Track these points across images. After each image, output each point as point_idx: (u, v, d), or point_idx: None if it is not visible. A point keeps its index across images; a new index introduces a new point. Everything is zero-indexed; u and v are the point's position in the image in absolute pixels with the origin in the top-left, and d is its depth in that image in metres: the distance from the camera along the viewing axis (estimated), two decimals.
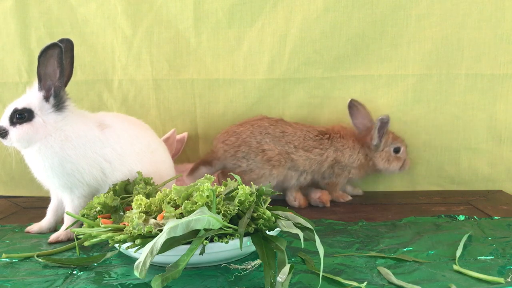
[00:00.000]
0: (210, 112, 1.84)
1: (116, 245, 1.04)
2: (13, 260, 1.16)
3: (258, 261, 1.05)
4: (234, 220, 1.03)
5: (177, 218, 0.98)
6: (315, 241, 0.96)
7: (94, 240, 1.06)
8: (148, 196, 1.21)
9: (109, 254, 1.13)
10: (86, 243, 1.07)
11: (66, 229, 1.29)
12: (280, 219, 1.06)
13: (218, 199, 1.04)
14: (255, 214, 1.04)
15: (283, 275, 0.90)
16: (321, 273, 0.92)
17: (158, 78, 1.82)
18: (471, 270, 1.01)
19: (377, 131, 1.66)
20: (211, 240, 0.99)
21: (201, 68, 1.81)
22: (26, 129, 1.26)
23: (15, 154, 1.33)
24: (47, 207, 1.42)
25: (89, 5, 1.78)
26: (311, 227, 1.02)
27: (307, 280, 0.98)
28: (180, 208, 1.03)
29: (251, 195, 1.05)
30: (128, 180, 1.32)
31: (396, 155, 1.71)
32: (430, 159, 1.82)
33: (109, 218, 1.17)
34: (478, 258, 1.10)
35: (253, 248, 1.04)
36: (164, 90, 1.83)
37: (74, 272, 1.07)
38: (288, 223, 1.04)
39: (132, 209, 1.09)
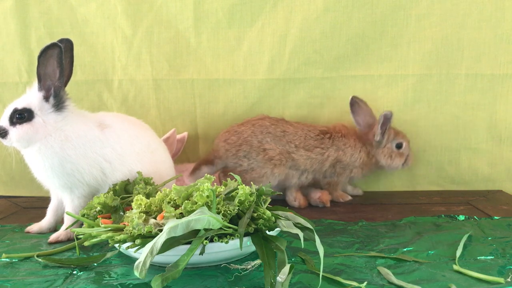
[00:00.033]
0: (210, 112, 1.84)
1: (116, 245, 1.04)
2: (13, 260, 1.16)
3: (258, 261, 1.05)
4: (234, 220, 1.03)
5: (177, 218, 0.98)
6: (315, 241, 0.96)
7: (94, 240, 1.06)
8: (148, 196, 1.21)
9: (109, 254, 1.13)
10: (86, 243, 1.07)
11: (66, 229, 1.29)
12: (280, 219, 1.06)
13: (218, 199, 1.04)
14: (255, 214, 1.04)
15: (283, 275, 0.90)
16: (321, 273, 0.92)
17: (158, 78, 1.82)
18: (471, 270, 1.01)
19: (380, 127, 1.65)
20: (211, 240, 0.99)
21: (201, 68, 1.81)
22: (26, 129, 1.26)
23: (15, 154, 1.33)
24: (47, 207, 1.42)
25: (89, 5, 1.78)
26: (311, 227, 1.02)
27: (307, 280, 0.98)
28: (180, 208, 1.03)
29: (251, 195, 1.05)
30: (128, 180, 1.32)
31: (398, 151, 1.71)
32: (430, 159, 1.82)
33: (109, 218, 1.17)
34: (478, 258, 1.10)
35: (253, 248, 1.04)
36: (164, 90, 1.83)
37: (74, 272, 1.07)
38: (288, 223, 1.04)
39: (132, 209, 1.09)
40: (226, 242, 0.99)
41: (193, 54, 1.80)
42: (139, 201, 1.08)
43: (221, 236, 1.00)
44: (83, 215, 1.18)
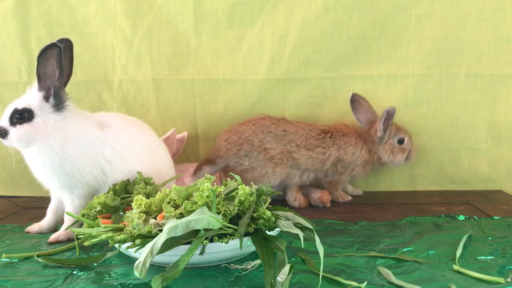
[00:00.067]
0: (210, 112, 1.84)
1: (116, 245, 1.04)
2: (13, 260, 1.16)
3: (258, 261, 1.05)
4: (234, 220, 1.03)
5: (177, 218, 0.98)
6: (315, 241, 0.96)
7: (94, 240, 1.06)
8: (148, 196, 1.21)
9: (109, 254, 1.13)
10: (86, 243, 1.07)
11: (66, 229, 1.29)
12: (280, 219, 1.06)
13: (218, 199, 1.04)
14: (255, 214, 1.04)
15: (283, 275, 0.90)
16: (321, 273, 0.92)
17: (158, 78, 1.82)
18: (471, 270, 1.01)
19: (383, 123, 1.65)
20: (211, 240, 0.99)
21: (201, 68, 1.81)
22: (26, 129, 1.26)
23: (15, 154, 1.33)
24: (47, 207, 1.42)
25: (89, 5, 1.78)
26: (311, 227, 1.02)
27: (307, 280, 0.98)
28: (180, 208, 1.03)
29: (251, 195, 1.05)
30: (128, 180, 1.32)
31: (400, 146, 1.70)
32: (430, 159, 1.82)
33: (109, 218, 1.17)
34: (478, 258, 1.10)
35: (253, 248, 1.04)
36: (164, 90, 1.83)
37: (74, 272, 1.07)
38: (288, 223, 1.04)
39: (132, 209, 1.09)
40: (226, 242, 0.99)
41: (193, 54, 1.80)
42: (139, 201, 1.08)
43: (221, 236, 1.00)
44: (83, 215, 1.18)
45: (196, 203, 1.00)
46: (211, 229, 0.98)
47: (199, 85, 1.82)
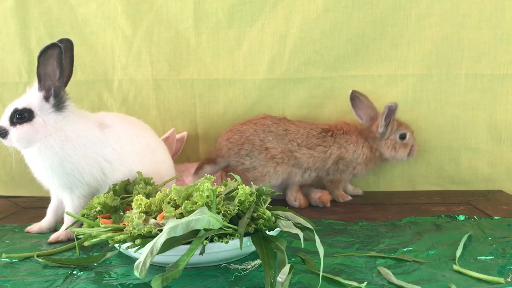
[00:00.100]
0: (210, 112, 1.84)
1: (116, 245, 1.04)
2: (13, 260, 1.16)
3: (258, 261, 1.05)
4: (234, 220, 1.03)
5: (177, 218, 0.98)
6: (315, 241, 0.96)
7: (94, 240, 1.06)
8: (148, 196, 1.21)
9: (109, 254, 1.13)
10: (86, 243, 1.07)
11: (66, 229, 1.29)
12: (280, 219, 1.06)
13: (218, 199, 1.04)
14: (255, 214, 1.04)
15: (283, 275, 0.90)
16: (321, 273, 0.92)
17: (158, 78, 1.82)
18: (471, 270, 1.01)
19: (384, 118, 1.65)
20: (211, 240, 0.99)
21: (201, 68, 1.81)
22: (26, 129, 1.26)
23: (15, 154, 1.33)
24: (47, 207, 1.42)
25: (89, 5, 1.78)
26: (311, 227, 1.02)
27: (307, 280, 0.98)
28: (180, 208, 1.03)
29: (251, 195, 1.05)
30: (128, 180, 1.32)
31: (402, 142, 1.70)
32: (430, 159, 1.82)
33: (109, 218, 1.17)
34: (478, 258, 1.10)
35: (253, 248, 1.04)
36: (164, 90, 1.83)
37: (74, 272, 1.07)
38: (288, 223, 1.04)
39: (132, 209, 1.09)
40: (226, 242, 0.99)
41: (193, 54, 1.80)
42: (139, 201, 1.08)
43: (221, 236, 1.00)
44: (83, 215, 1.18)
45: (196, 203, 1.00)
46: (211, 229, 0.98)
47: (199, 85, 1.82)
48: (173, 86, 1.83)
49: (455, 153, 1.81)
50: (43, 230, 1.39)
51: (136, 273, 0.87)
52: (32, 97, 1.28)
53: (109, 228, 1.07)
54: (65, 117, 1.29)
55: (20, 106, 1.27)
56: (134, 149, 1.36)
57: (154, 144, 1.44)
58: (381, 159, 1.73)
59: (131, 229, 1.00)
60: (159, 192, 1.13)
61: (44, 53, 1.21)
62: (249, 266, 1.04)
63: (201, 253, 0.98)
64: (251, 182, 1.16)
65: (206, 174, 1.14)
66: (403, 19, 1.73)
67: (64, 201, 1.34)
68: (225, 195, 1.08)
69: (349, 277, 0.99)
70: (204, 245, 0.97)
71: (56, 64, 1.24)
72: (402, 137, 1.70)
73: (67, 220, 1.32)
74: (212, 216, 0.97)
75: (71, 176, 1.28)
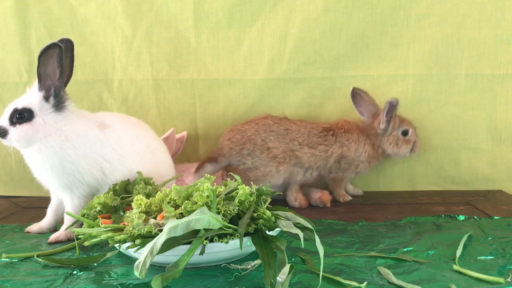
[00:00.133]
0: (210, 112, 1.84)
1: (116, 245, 1.04)
2: (13, 260, 1.16)
3: (258, 261, 1.05)
4: (234, 220, 1.03)
5: (177, 218, 0.98)
6: (315, 241, 0.96)
7: (94, 240, 1.06)
8: (148, 196, 1.21)
9: (109, 254, 1.13)
10: (86, 243, 1.07)
11: (66, 229, 1.29)
12: (280, 219, 1.06)
13: (218, 199, 1.04)
14: (255, 214, 1.04)
15: (283, 275, 0.90)
16: (321, 273, 0.92)
17: (158, 78, 1.82)
18: (471, 270, 1.01)
19: (385, 114, 1.65)
20: (211, 240, 0.99)
21: (201, 68, 1.81)
22: (26, 129, 1.26)
23: (15, 154, 1.33)
24: (47, 207, 1.42)
25: (89, 5, 1.78)
26: (311, 227, 1.02)
27: (307, 280, 0.98)
28: (180, 208, 1.03)
29: (251, 195, 1.05)
30: (128, 180, 1.32)
31: (404, 138, 1.70)
32: (430, 159, 1.82)
33: (109, 218, 1.17)
34: (478, 258, 1.10)
35: (253, 248, 1.04)
36: (164, 90, 1.83)
37: (74, 272, 1.07)
38: (288, 223, 1.04)
39: (132, 209, 1.09)
40: (226, 242, 0.99)
41: (193, 54, 1.80)
42: (139, 201, 1.08)
43: (221, 236, 1.00)
44: (83, 215, 1.18)
45: (196, 203, 1.00)
46: (211, 229, 0.98)
47: (199, 85, 1.82)
48: (173, 86, 1.83)
49: (455, 153, 1.81)
50: (43, 230, 1.39)
51: (136, 273, 0.87)
52: (32, 97, 1.28)
53: (109, 228, 1.07)
54: (65, 117, 1.29)
55: (20, 106, 1.27)
56: (134, 149, 1.36)
57: (154, 144, 1.44)
58: (384, 155, 1.73)
59: (131, 229, 1.00)
60: (159, 192, 1.13)
61: (45, 53, 1.21)
62: (249, 266, 1.04)
63: (201, 253, 0.98)
64: (251, 182, 1.16)
65: (206, 174, 1.14)
66: (403, 19, 1.73)
67: (64, 201, 1.34)
68: (225, 195, 1.08)
69: (349, 277, 0.99)
70: (204, 245, 0.97)
71: (56, 64, 1.24)
72: (405, 133, 1.70)
73: (67, 220, 1.32)
74: (212, 216, 0.97)
75: (71, 176, 1.28)
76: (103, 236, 1.05)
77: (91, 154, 1.29)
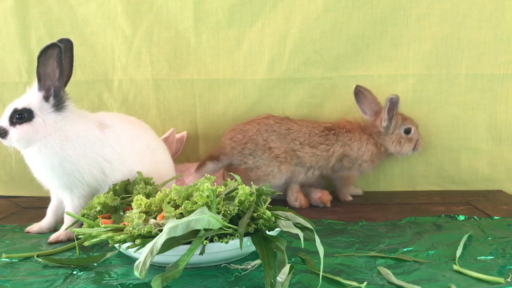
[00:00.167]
0: (210, 112, 1.84)
1: (116, 245, 1.04)
2: (13, 260, 1.16)
3: (258, 261, 1.05)
4: (234, 220, 1.03)
5: (177, 218, 0.98)
6: (315, 241, 0.96)
7: (94, 240, 1.06)
8: (148, 196, 1.21)
9: (109, 254, 1.13)
10: (86, 243, 1.07)
11: (66, 229, 1.29)
12: (280, 219, 1.06)
13: (218, 199, 1.04)
14: (255, 214, 1.04)
15: (283, 275, 0.90)
16: (321, 273, 0.92)
17: (158, 78, 1.82)
18: (471, 270, 1.01)
19: (387, 112, 1.65)
20: (211, 240, 0.99)
21: (201, 68, 1.81)
22: (26, 129, 1.26)
23: (15, 154, 1.33)
24: (47, 207, 1.42)
25: (89, 5, 1.78)
26: (311, 227, 1.02)
27: (307, 280, 0.98)
28: (180, 208, 1.03)
29: (251, 195, 1.05)
30: (128, 180, 1.32)
31: (407, 137, 1.70)
32: (430, 159, 1.82)
33: (109, 218, 1.17)
34: (478, 258, 1.10)
35: (253, 248, 1.04)
36: (164, 90, 1.83)
37: (74, 272, 1.07)
38: (288, 223, 1.04)
39: (132, 209, 1.09)
40: (226, 242, 0.99)
41: (193, 54, 1.80)
42: (139, 201, 1.08)
43: (221, 236, 1.00)
44: (83, 215, 1.18)
45: (196, 203, 1.00)
46: (211, 229, 0.98)
47: (199, 85, 1.82)
48: (173, 86, 1.83)
49: (455, 153, 1.81)
50: (43, 230, 1.39)
51: (136, 273, 0.87)
52: (32, 97, 1.28)
53: (109, 228, 1.07)
54: (65, 117, 1.29)
55: (19, 106, 1.27)
56: (134, 149, 1.36)
57: (154, 144, 1.43)
58: (387, 154, 1.73)
59: (131, 229, 1.00)
60: (159, 192, 1.13)
61: (44, 53, 1.21)
62: (249, 266, 1.04)
63: (201, 253, 0.98)
64: (251, 182, 1.16)
65: (206, 174, 1.14)
66: (403, 19, 1.73)
67: (64, 201, 1.34)
68: (225, 195, 1.08)
69: (349, 277, 0.99)
70: (204, 245, 0.97)
71: (56, 64, 1.24)
72: (407, 131, 1.70)
73: (67, 220, 1.32)
74: (212, 216, 0.97)
75: (71, 176, 1.28)
76: (103, 236, 1.05)
77: (91, 154, 1.29)
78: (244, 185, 1.08)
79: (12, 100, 1.30)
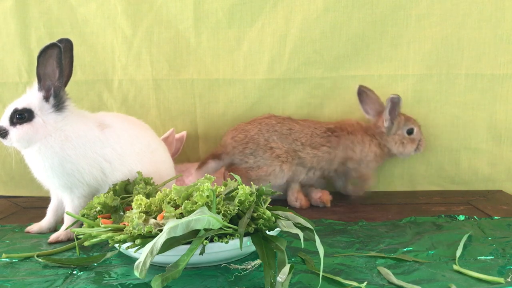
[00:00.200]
0: (210, 112, 1.84)
1: (116, 245, 1.04)
2: (13, 260, 1.16)
3: (258, 261, 1.05)
4: (234, 220, 1.03)
5: (177, 218, 0.98)
6: (315, 241, 0.96)
7: (94, 240, 1.06)
8: (148, 196, 1.21)
9: (109, 254, 1.13)
10: (86, 243, 1.07)
11: (66, 229, 1.29)
12: (280, 219, 1.06)
13: (218, 199, 1.04)
14: (255, 214, 1.04)
15: (283, 275, 0.90)
16: (321, 273, 0.92)
17: (158, 78, 1.82)
18: (471, 270, 1.01)
19: (389, 112, 1.65)
20: (211, 240, 0.99)
21: (201, 68, 1.81)
22: (26, 129, 1.26)
23: (15, 154, 1.33)
24: (47, 207, 1.42)
25: (89, 5, 1.78)
26: (311, 227, 1.02)
27: (307, 280, 0.98)
28: (180, 208, 1.03)
29: (251, 195, 1.05)
30: (128, 180, 1.32)
31: (409, 137, 1.70)
32: (430, 159, 1.82)
33: (109, 218, 1.17)
34: (478, 258, 1.10)
35: (253, 248, 1.04)
36: (164, 90, 1.83)
37: (74, 272, 1.07)
38: (288, 223, 1.04)
39: (132, 209, 1.09)
40: (226, 242, 0.99)
41: (193, 54, 1.80)
42: (139, 201, 1.08)
43: (221, 236, 1.00)
44: (83, 215, 1.18)
45: (196, 203, 1.00)
46: (211, 229, 0.98)
47: (199, 85, 1.82)
48: (173, 86, 1.83)
49: (455, 153, 1.81)
50: (43, 230, 1.39)
51: (136, 273, 0.87)
52: (32, 97, 1.28)
53: (109, 228, 1.07)
54: (65, 117, 1.29)
55: (20, 106, 1.27)
56: (134, 149, 1.36)
57: (154, 144, 1.43)
58: (390, 154, 1.73)
59: (131, 229, 1.00)
60: (159, 192, 1.13)
61: (44, 53, 1.21)
62: (249, 266, 1.04)
63: (201, 253, 0.98)
64: (251, 182, 1.16)
65: (206, 174, 1.14)
66: (403, 19, 1.73)
67: (64, 201, 1.34)
68: (225, 195, 1.08)
69: (349, 277, 0.99)
70: (204, 245, 0.97)
71: (56, 64, 1.24)
72: (410, 132, 1.70)
73: (67, 220, 1.32)
74: (212, 216, 0.97)
75: (71, 176, 1.28)
76: (103, 236, 1.05)
77: (91, 154, 1.29)
78: (244, 185, 1.08)
79: (12, 100, 1.30)
